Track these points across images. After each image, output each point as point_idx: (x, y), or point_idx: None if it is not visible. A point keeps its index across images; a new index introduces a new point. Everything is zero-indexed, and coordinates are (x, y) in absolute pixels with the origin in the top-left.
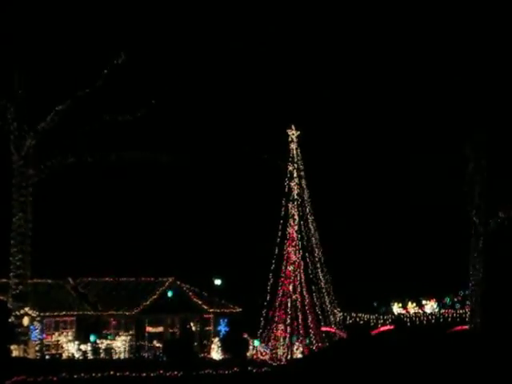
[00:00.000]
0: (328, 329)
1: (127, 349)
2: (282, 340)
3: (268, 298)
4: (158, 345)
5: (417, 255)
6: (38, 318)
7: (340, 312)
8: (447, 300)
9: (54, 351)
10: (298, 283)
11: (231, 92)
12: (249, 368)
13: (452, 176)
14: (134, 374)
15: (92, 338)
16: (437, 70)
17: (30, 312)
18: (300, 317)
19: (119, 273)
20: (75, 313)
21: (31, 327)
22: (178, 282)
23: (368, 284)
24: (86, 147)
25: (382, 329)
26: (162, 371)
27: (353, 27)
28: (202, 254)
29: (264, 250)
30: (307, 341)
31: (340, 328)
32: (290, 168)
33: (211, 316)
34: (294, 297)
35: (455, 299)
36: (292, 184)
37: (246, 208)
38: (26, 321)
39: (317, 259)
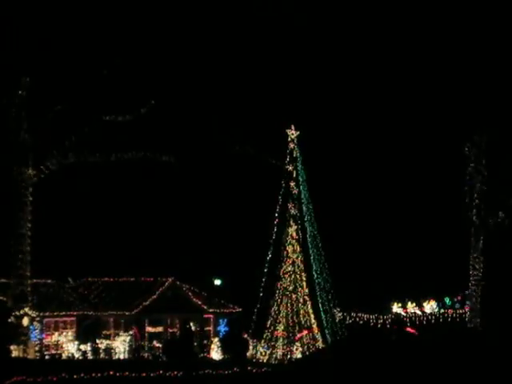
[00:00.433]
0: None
1: (127, 349)
2: (281, 340)
3: (268, 298)
4: (157, 345)
5: (417, 255)
6: (38, 318)
7: (340, 312)
8: (447, 300)
9: (53, 351)
10: (297, 283)
11: (231, 92)
12: (249, 368)
13: (452, 176)
14: (133, 374)
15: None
16: (437, 71)
17: (29, 312)
18: (300, 317)
19: (119, 273)
20: (75, 313)
21: (31, 327)
22: (178, 282)
23: (368, 284)
24: (86, 147)
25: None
26: (161, 371)
27: (353, 28)
28: (201, 254)
29: (264, 249)
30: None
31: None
32: (290, 168)
33: (211, 316)
34: (294, 297)
35: (455, 299)
36: (291, 184)
37: (246, 208)
38: (25, 321)
39: (317, 259)
